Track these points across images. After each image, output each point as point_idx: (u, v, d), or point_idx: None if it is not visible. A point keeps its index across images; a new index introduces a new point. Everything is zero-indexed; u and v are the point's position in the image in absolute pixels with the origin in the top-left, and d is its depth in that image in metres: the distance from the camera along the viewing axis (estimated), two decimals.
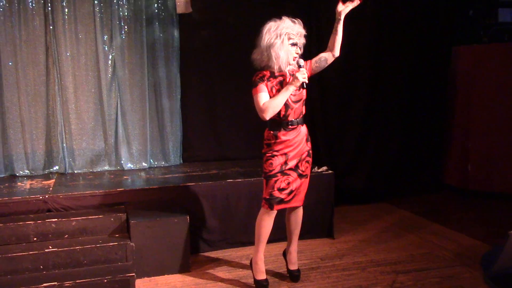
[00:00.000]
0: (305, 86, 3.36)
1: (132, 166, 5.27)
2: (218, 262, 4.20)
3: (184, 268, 4.00)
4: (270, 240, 4.19)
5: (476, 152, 5.95)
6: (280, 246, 4.26)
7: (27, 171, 5.00)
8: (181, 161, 5.51)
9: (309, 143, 3.63)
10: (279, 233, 4.11)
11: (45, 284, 3.42)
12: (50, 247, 3.71)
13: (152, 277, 3.91)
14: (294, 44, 3.39)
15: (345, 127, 5.85)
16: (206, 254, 4.37)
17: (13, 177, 4.92)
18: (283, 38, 3.34)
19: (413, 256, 4.22)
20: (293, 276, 3.78)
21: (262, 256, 3.66)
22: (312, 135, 5.69)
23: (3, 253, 3.60)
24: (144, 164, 5.31)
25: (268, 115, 3.35)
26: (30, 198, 4.07)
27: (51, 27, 4.88)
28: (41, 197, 4.09)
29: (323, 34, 5.62)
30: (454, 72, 6.17)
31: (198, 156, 5.54)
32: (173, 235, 3.95)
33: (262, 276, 3.65)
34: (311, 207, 4.59)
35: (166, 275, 3.94)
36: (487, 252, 4.15)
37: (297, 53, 3.42)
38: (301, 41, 3.44)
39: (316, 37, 5.56)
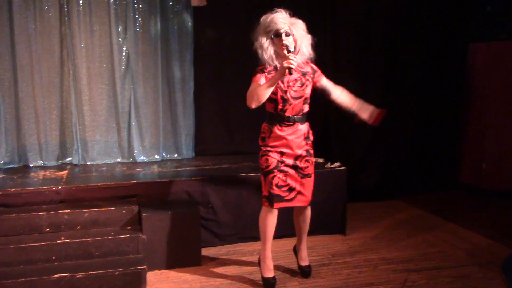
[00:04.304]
0: (291, 73, 3.14)
1: (144, 158, 5.28)
2: (229, 256, 4.20)
3: (195, 262, 4.00)
4: (281, 236, 4.21)
5: (491, 151, 5.87)
6: (291, 242, 4.24)
7: (40, 162, 5.04)
8: (194, 154, 5.51)
9: (309, 142, 3.55)
10: (290, 229, 4.08)
11: (57, 275, 3.44)
12: (63, 238, 3.73)
13: (163, 270, 3.91)
14: (277, 35, 3.27)
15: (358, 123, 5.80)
16: (217, 248, 4.37)
17: (26, 168, 4.96)
18: (260, 39, 3.33)
19: (426, 255, 4.18)
20: (304, 272, 3.77)
21: (269, 254, 3.61)
22: (325, 130, 5.71)
23: (16, 243, 3.62)
24: (156, 156, 5.32)
25: (251, 103, 3.24)
26: (43, 189, 4.09)
27: (66, 19, 4.89)
28: (54, 188, 4.10)
29: (339, 32, 5.59)
30: (471, 69, 6.09)
31: (210, 149, 5.54)
32: (184, 229, 3.95)
33: (269, 273, 3.61)
34: (323, 203, 4.57)
35: (177, 268, 3.94)
36: (509, 256, 4.05)
37: (283, 40, 3.23)
38: (283, 26, 3.25)
39: (331, 35, 5.54)
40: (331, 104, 5.60)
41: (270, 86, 3.22)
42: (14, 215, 3.83)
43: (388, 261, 4.07)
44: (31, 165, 5.00)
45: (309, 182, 3.57)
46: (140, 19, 5.11)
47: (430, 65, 5.92)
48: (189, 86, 5.36)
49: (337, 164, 4.79)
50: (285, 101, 3.39)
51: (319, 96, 5.71)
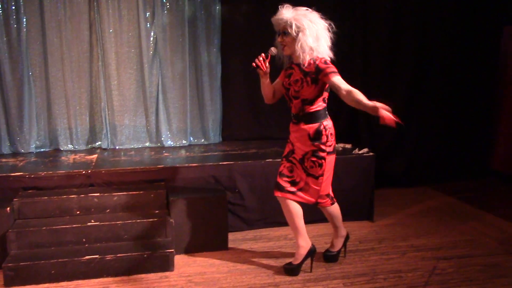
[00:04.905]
0: (252, 68, 3.39)
1: (172, 143, 5.32)
2: (255, 241, 4.21)
3: (222, 246, 4.03)
4: (310, 221, 4.18)
5: None
6: (319, 227, 4.25)
7: (70, 146, 5.13)
8: (221, 139, 5.52)
9: (317, 143, 3.35)
10: (319, 214, 4.06)
11: (87, 257, 3.52)
12: (93, 221, 3.80)
13: (191, 254, 3.95)
14: (279, 34, 3.35)
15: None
16: (244, 233, 4.39)
17: (57, 151, 5.05)
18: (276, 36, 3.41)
19: (456, 243, 4.12)
20: (325, 255, 3.78)
21: (299, 243, 3.56)
22: (354, 116, 5.64)
23: (47, 226, 3.71)
24: (184, 141, 5.35)
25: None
26: (73, 173, 4.16)
27: (95, 4, 4.92)
28: (84, 172, 4.17)
29: (369, 18, 5.50)
30: (505, 52, 5.91)
31: (237, 134, 5.54)
32: (211, 213, 3.98)
33: (294, 260, 3.60)
34: (351, 189, 4.55)
35: (204, 252, 3.98)
36: None
37: (279, 41, 3.34)
38: (278, 26, 3.32)
39: (361, 23, 5.45)
40: (359, 88, 5.59)
41: (261, 83, 3.49)
42: (46, 198, 3.91)
43: (416, 248, 4.02)
44: (62, 149, 5.09)
45: (315, 183, 3.42)
46: (168, 4, 5.10)
47: (463, 49, 5.77)
48: (216, 71, 5.35)
49: (365, 150, 4.74)
50: (289, 98, 3.45)
51: (346, 80, 5.67)
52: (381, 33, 5.58)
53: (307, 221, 4.06)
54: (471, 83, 5.87)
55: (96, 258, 3.52)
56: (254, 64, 3.37)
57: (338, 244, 3.76)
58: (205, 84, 5.33)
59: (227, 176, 4.35)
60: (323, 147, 3.35)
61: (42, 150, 5.07)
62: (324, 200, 3.52)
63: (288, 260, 3.67)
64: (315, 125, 3.35)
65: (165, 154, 4.93)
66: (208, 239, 4.00)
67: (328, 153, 3.38)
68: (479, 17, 5.76)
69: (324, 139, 3.35)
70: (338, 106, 5.72)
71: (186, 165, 4.38)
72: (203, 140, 5.46)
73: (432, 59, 5.71)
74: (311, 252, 3.59)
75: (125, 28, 5.06)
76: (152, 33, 5.11)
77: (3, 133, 4.93)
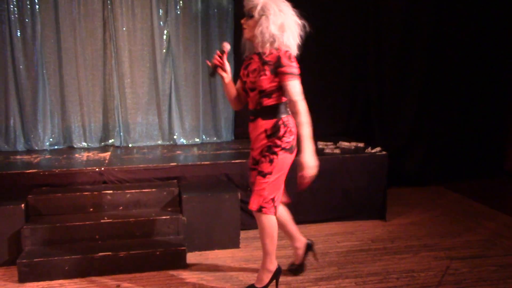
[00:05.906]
0: (212, 74, 3.07)
1: (184, 141, 5.33)
2: None
3: (234, 244, 4.04)
4: (319, 220, 4.18)
5: None
6: (330, 227, 4.23)
7: (84, 143, 5.16)
8: (233, 137, 5.52)
9: (273, 139, 2.96)
10: (325, 213, 4.06)
11: (100, 254, 3.54)
12: (106, 218, 3.82)
13: (203, 251, 3.96)
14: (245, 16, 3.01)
15: (401, 106, 5.69)
16: (256, 231, 4.34)
17: (71, 149, 5.09)
18: None
19: (469, 243, 4.09)
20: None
21: (295, 245, 3.54)
22: (367, 115, 5.62)
23: (61, 222, 3.74)
24: (196, 139, 5.36)
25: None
26: (87, 170, 4.19)
27: (108, 2, 4.95)
28: (97, 169, 4.20)
29: (382, 24, 5.49)
30: None
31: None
32: (224, 211, 3.98)
33: (296, 260, 3.61)
34: (363, 188, 4.53)
35: (216, 250, 3.99)
36: None
37: (242, 22, 3.00)
38: (247, 7, 2.94)
39: (373, 29, 5.42)
40: (372, 87, 5.58)
41: (225, 88, 3.14)
42: (60, 194, 3.94)
43: (429, 248, 4.00)
44: (75, 146, 5.13)
45: (260, 183, 2.96)
46: (181, 2, 5.12)
47: (476, 49, 5.72)
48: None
49: (378, 148, 4.71)
50: (246, 92, 3.09)
51: (360, 79, 5.65)
52: (394, 34, 5.56)
53: (321, 220, 4.07)
54: (485, 83, 5.82)
55: (109, 255, 3.55)
56: (209, 63, 3.05)
57: (260, 273, 3.27)
58: (217, 82, 5.34)
59: (240, 174, 4.35)
60: (278, 142, 2.95)
61: (56, 147, 5.10)
62: (269, 206, 3.00)
63: None
64: (273, 121, 2.97)
65: (178, 152, 4.95)
66: (220, 237, 4.01)
67: (283, 149, 2.95)
68: (494, 15, 5.70)
69: (281, 133, 2.95)
70: (350, 104, 5.75)
71: (199, 163, 4.40)
72: (215, 138, 5.47)
73: (445, 59, 5.66)
74: (309, 247, 3.55)
75: (138, 26, 5.08)
76: (165, 31, 5.12)
77: (18, 131, 4.98)
